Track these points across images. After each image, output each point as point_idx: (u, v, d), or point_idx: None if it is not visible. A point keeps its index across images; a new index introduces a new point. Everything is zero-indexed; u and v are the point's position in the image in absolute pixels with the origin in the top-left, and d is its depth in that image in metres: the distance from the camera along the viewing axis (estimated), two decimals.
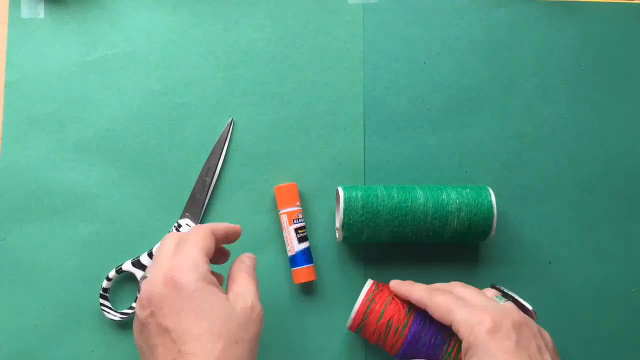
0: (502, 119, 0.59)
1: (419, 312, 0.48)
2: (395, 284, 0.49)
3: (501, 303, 0.45)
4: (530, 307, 0.46)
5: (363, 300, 0.49)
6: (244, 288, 0.42)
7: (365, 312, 0.49)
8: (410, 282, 0.49)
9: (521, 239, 0.57)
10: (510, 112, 0.59)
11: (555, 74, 0.60)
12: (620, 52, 0.61)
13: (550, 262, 0.57)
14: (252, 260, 0.46)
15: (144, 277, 0.41)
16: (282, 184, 0.55)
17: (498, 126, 0.59)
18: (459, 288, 0.47)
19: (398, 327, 0.48)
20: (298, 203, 0.55)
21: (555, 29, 0.61)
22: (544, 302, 0.56)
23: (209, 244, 0.42)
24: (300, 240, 0.54)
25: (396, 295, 0.49)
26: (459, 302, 0.43)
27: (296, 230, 0.54)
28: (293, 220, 0.54)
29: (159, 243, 0.42)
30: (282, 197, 0.55)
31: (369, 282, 0.51)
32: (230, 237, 0.46)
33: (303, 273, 0.54)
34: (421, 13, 0.60)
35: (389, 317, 0.48)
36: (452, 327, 0.42)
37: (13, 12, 0.58)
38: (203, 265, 0.40)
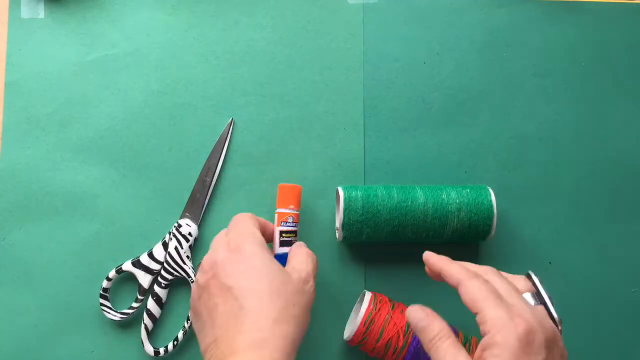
0: (502, 119, 0.59)
1: None
2: (430, 257, 0.45)
3: (533, 305, 0.43)
4: (557, 316, 0.42)
5: (362, 321, 0.49)
6: (301, 264, 0.45)
7: (364, 333, 0.49)
8: (447, 258, 0.45)
9: (521, 239, 0.57)
10: (510, 112, 0.59)
11: (555, 74, 0.60)
12: (620, 52, 0.61)
13: (550, 262, 0.57)
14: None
15: (199, 265, 0.45)
16: (286, 184, 0.53)
17: (498, 126, 0.59)
18: (494, 277, 0.42)
19: (397, 348, 0.48)
20: (292, 206, 0.52)
21: (555, 29, 0.61)
22: None
23: (257, 222, 0.47)
24: (282, 244, 0.51)
25: (430, 270, 0.45)
26: (494, 295, 0.39)
27: (281, 232, 0.51)
28: (281, 222, 0.51)
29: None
30: (280, 196, 0.54)
31: (367, 298, 0.51)
32: (266, 230, 0.49)
33: None
34: (421, 13, 0.60)
35: (387, 338, 0.48)
36: (477, 318, 0.39)
37: (13, 12, 0.58)
38: (260, 237, 0.44)
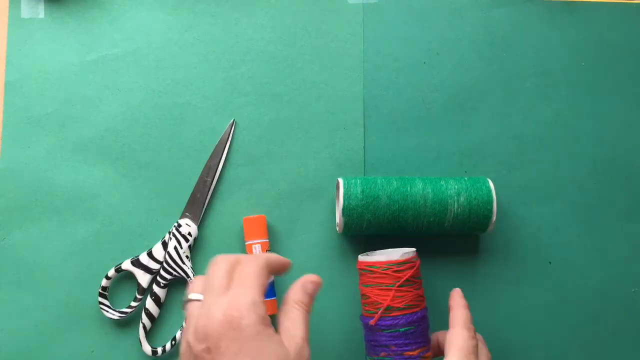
0: (502, 119, 0.59)
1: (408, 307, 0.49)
2: (457, 296, 0.50)
3: None
4: None
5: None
6: (295, 326, 0.40)
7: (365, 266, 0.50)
8: (466, 304, 0.49)
9: (521, 239, 0.57)
10: (510, 112, 0.59)
11: (555, 74, 0.60)
12: (620, 52, 0.61)
13: (550, 262, 0.57)
14: (314, 287, 0.43)
15: (189, 300, 0.40)
16: (250, 216, 0.55)
17: (498, 126, 0.59)
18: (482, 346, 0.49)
19: (377, 308, 0.48)
20: (260, 237, 0.54)
21: (555, 29, 0.61)
22: (544, 302, 0.56)
23: (265, 280, 0.40)
24: None
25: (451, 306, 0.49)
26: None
27: None
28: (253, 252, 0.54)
29: (210, 265, 0.40)
30: (247, 230, 0.55)
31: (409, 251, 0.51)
32: (281, 271, 0.44)
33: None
34: (421, 13, 0.60)
35: (368, 291, 0.49)
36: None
37: (13, 12, 0.58)
38: (262, 307, 0.38)
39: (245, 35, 0.59)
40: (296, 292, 0.42)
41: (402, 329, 0.47)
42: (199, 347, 0.37)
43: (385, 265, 0.48)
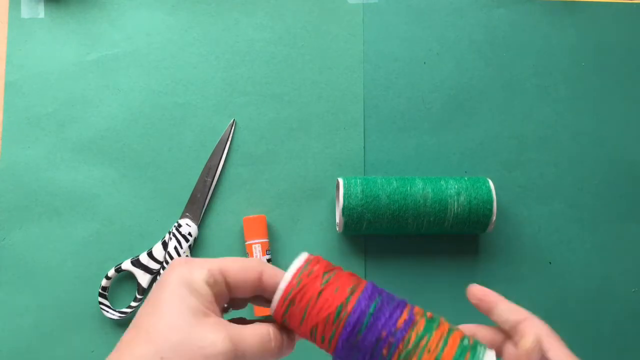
0: (502, 118, 0.59)
1: (357, 305, 0.34)
2: (477, 290, 0.40)
3: None
4: None
5: (280, 298, 0.34)
6: (236, 330, 0.32)
7: (282, 315, 0.34)
8: (497, 295, 0.40)
9: (521, 239, 0.57)
10: (510, 112, 0.59)
11: (555, 74, 0.60)
12: (620, 52, 0.61)
13: (550, 262, 0.57)
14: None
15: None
16: (250, 216, 0.55)
17: (498, 126, 0.59)
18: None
19: (324, 338, 0.34)
20: (260, 237, 0.54)
21: (555, 29, 0.61)
22: (544, 302, 0.56)
23: (239, 270, 0.33)
24: None
25: (478, 301, 0.39)
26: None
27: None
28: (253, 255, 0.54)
29: None
30: (249, 229, 0.55)
31: (294, 266, 0.35)
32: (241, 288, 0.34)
33: (260, 309, 0.52)
34: (421, 13, 0.60)
35: (311, 324, 0.34)
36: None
37: (13, 12, 0.58)
38: (200, 273, 0.32)
39: (245, 35, 0.59)
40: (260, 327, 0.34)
41: (372, 309, 0.35)
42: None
43: (295, 283, 0.34)
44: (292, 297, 0.34)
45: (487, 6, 0.61)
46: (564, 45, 0.61)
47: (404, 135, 0.58)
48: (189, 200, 0.56)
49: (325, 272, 0.36)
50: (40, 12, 0.58)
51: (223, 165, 0.57)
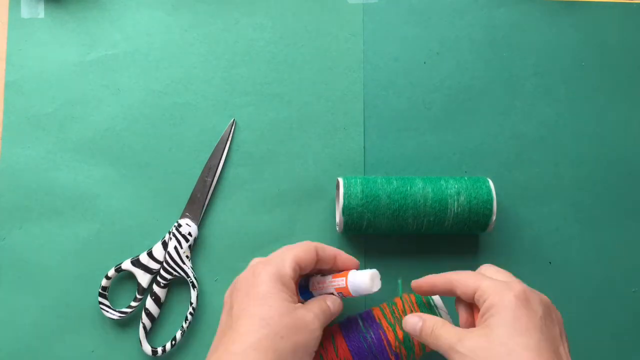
0: (502, 118, 0.59)
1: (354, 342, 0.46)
2: (418, 281, 0.46)
3: None
4: None
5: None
6: (316, 308, 0.43)
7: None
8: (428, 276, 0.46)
9: (521, 239, 0.57)
10: (510, 112, 0.59)
11: (555, 74, 0.60)
12: (620, 52, 0.61)
13: (550, 262, 0.57)
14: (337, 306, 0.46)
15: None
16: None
17: (498, 126, 0.59)
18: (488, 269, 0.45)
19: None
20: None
21: (555, 29, 0.61)
22: None
23: (306, 255, 0.44)
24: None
25: (422, 290, 0.45)
26: (486, 276, 0.42)
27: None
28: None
29: None
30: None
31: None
32: (335, 265, 0.47)
33: None
34: (421, 13, 0.60)
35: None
36: (475, 297, 0.41)
37: (13, 12, 0.58)
38: (285, 269, 0.43)
39: (245, 35, 0.59)
40: (325, 296, 0.46)
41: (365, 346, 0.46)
42: (227, 292, 0.44)
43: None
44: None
45: (487, 6, 0.61)
46: (564, 45, 0.61)
47: (404, 135, 0.58)
48: (189, 200, 0.56)
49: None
50: (40, 12, 0.58)
51: (223, 165, 0.57)
